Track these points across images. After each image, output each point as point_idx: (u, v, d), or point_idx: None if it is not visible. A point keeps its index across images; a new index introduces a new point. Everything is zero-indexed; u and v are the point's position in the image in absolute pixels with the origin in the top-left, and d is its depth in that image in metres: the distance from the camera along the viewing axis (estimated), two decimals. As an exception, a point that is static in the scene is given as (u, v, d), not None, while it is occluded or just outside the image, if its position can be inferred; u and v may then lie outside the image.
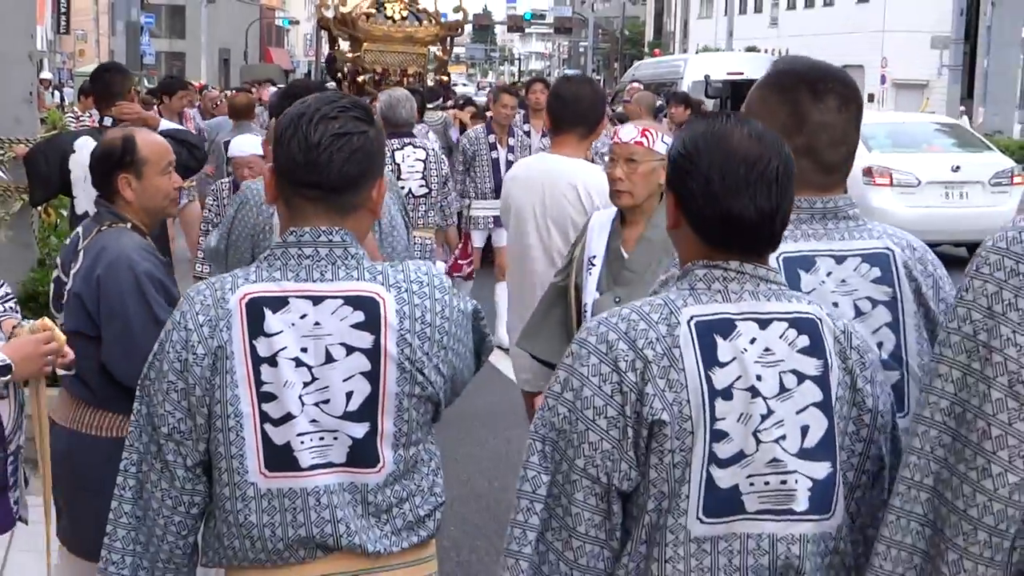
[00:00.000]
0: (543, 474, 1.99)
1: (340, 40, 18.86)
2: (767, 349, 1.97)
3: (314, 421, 2.19)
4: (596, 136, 4.72)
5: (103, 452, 3.12)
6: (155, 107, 9.46)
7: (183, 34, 58.90)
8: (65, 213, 6.26)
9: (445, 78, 18.29)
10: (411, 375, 2.21)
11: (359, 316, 2.19)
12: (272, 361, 2.18)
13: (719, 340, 1.96)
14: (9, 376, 2.80)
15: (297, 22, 72.46)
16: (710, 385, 1.94)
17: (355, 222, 2.26)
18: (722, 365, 1.95)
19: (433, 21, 18.68)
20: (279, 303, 2.19)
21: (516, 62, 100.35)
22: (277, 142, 2.22)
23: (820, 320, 2.02)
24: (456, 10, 18.44)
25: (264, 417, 2.18)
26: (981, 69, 31.84)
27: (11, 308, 3.05)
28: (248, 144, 6.22)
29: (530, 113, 10.11)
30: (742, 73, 22.12)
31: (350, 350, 2.19)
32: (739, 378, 1.95)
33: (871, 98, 39.00)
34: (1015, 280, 1.85)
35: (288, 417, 2.19)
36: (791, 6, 49.81)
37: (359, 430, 2.20)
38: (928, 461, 1.94)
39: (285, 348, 2.18)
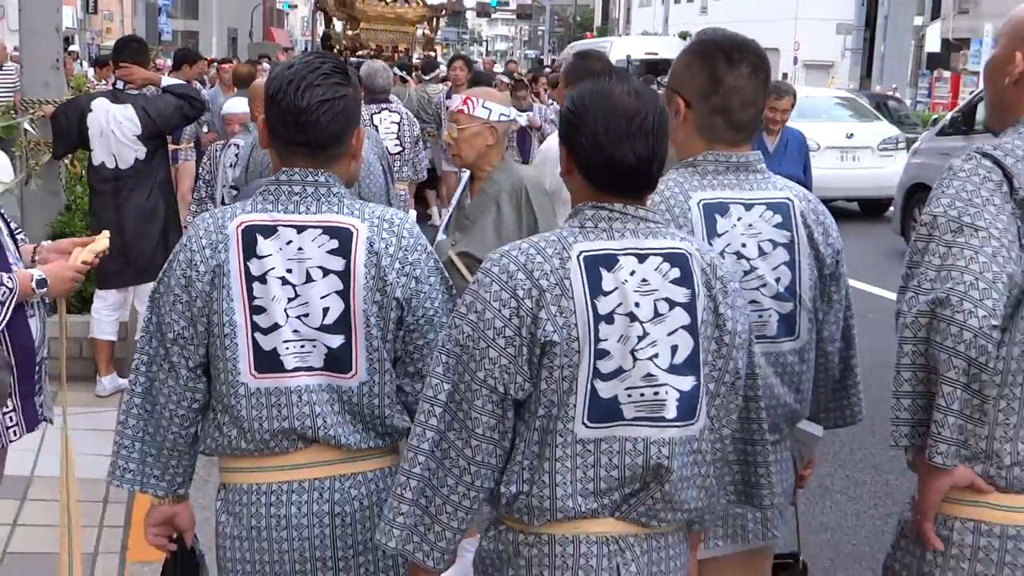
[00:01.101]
0: (445, 383, 1.99)
1: (336, 20, 18.57)
2: (644, 280, 1.97)
3: (296, 331, 2.20)
4: None
5: None
6: (168, 73, 9.34)
7: (196, 14, 57.77)
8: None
9: (432, 53, 18.08)
10: (373, 295, 2.21)
11: (334, 243, 2.21)
12: (262, 279, 2.20)
13: (604, 272, 1.96)
14: (46, 289, 2.85)
15: (295, 6, 71.56)
16: (595, 311, 1.94)
17: (338, 167, 2.28)
18: (606, 294, 1.95)
19: (421, 3, 18.46)
20: (269, 230, 2.21)
21: (484, 43, 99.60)
22: (269, 102, 2.23)
23: (690, 255, 2.02)
24: None
25: (255, 327, 2.20)
26: (879, 52, 31.98)
27: (22, 239, 3.04)
28: (239, 105, 6.63)
29: (452, 89, 9.93)
30: (656, 53, 23.55)
31: (326, 272, 2.20)
32: (620, 305, 1.95)
33: (784, 76, 39.02)
34: (988, 184, 2.04)
35: (275, 327, 2.20)
36: (720, -4, 49.63)
37: (334, 341, 2.21)
38: (917, 318, 2.02)
39: (273, 268, 2.20)
